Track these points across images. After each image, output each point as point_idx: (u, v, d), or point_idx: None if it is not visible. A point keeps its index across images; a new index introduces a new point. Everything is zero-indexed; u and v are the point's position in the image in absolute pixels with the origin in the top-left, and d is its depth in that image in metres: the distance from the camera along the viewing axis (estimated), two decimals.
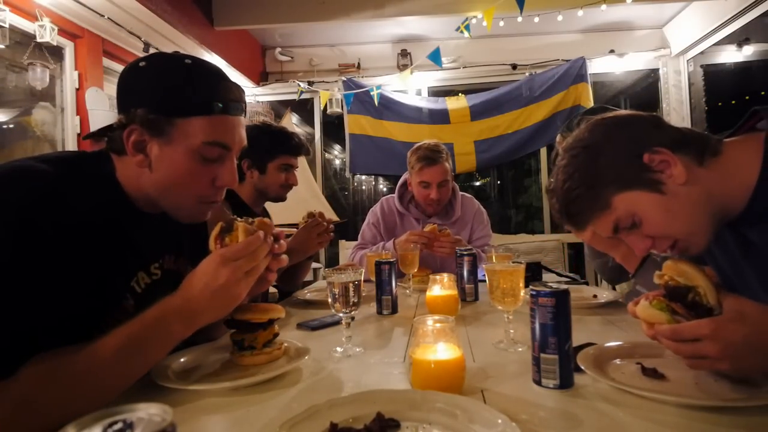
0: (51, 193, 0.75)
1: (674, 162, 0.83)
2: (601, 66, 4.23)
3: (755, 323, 0.71)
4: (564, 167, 0.91)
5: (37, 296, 0.71)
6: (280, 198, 1.84)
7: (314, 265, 3.73)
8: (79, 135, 2.91)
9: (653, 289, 0.84)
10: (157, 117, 0.84)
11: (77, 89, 2.93)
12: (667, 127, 0.88)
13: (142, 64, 0.88)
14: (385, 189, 5.39)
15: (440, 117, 4.25)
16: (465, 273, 1.55)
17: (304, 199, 3.84)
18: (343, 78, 4.28)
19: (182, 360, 0.95)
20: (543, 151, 4.32)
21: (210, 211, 0.96)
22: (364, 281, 1.16)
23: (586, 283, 1.94)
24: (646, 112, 0.93)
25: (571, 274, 2.28)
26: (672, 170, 0.83)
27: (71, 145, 2.89)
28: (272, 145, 1.77)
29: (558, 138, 1.54)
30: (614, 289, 2.10)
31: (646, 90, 4.50)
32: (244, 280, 0.81)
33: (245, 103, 0.96)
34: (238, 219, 0.88)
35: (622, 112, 0.93)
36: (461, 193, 2.29)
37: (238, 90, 0.92)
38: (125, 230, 0.89)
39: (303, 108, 4.59)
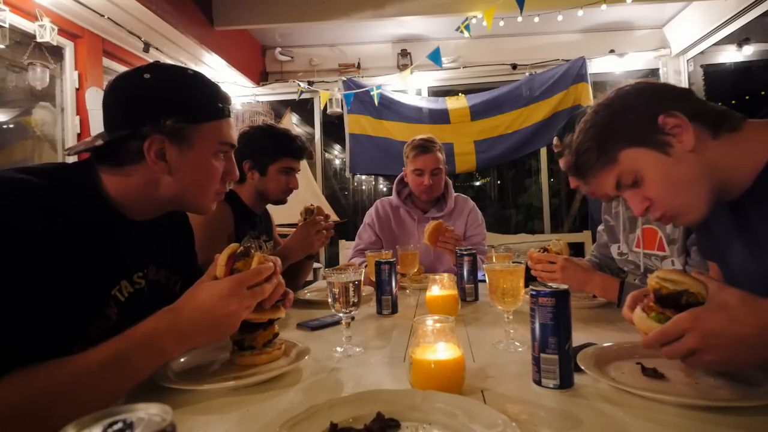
0: (31, 201, 0.75)
1: (687, 128, 0.84)
2: (601, 66, 4.23)
3: (734, 311, 0.70)
4: (584, 123, 0.94)
5: (16, 302, 0.69)
6: (280, 201, 1.84)
7: (314, 265, 3.72)
8: (79, 135, 2.91)
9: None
10: (183, 126, 0.89)
11: (77, 89, 2.93)
12: (691, 99, 0.90)
13: (147, 75, 0.90)
14: (385, 189, 5.39)
15: (440, 117, 4.24)
16: (465, 273, 1.55)
17: (304, 199, 3.81)
18: (343, 78, 4.28)
19: (182, 360, 0.95)
20: (543, 151, 4.32)
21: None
22: (365, 284, 1.16)
23: None
24: (680, 86, 0.96)
25: None
26: (683, 136, 0.85)
27: (71, 145, 2.89)
28: (274, 147, 1.77)
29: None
30: None
31: None
32: (245, 311, 0.82)
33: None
34: (254, 248, 0.89)
35: (654, 80, 0.96)
36: (456, 193, 2.33)
37: (227, 94, 1.01)
38: (107, 238, 0.88)
39: (303, 108, 4.59)
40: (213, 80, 0.99)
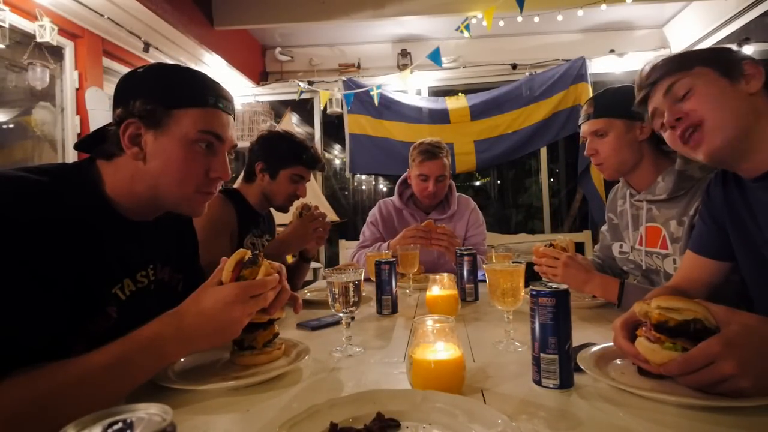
0: (28, 197, 0.75)
1: (759, 79, 0.95)
2: (601, 66, 4.22)
3: (761, 332, 0.71)
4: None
5: (14, 299, 0.69)
6: (284, 209, 1.88)
7: (314, 265, 3.73)
8: (79, 135, 2.91)
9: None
10: (154, 107, 0.88)
11: (77, 89, 2.93)
12: None
13: (140, 70, 0.93)
14: (385, 189, 5.40)
15: (440, 117, 4.24)
16: (465, 273, 1.55)
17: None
18: (343, 78, 4.28)
19: (182, 360, 0.95)
20: (543, 151, 4.32)
21: (206, 203, 0.98)
22: (364, 280, 1.17)
23: None
24: None
25: None
26: (753, 81, 0.95)
27: (71, 145, 2.89)
28: (289, 154, 1.79)
29: (585, 106, 1.51)
30: None
31: None
32: (248, 317, 0.83)
33: (234, 108, 1.01)
34: (262, 257, 0.89)
35: None
36: (458, 193, 2.34)
37: (228, 93, 0.98)
38: (108, 237, 0.88)
39: (303, 108, 4.59)
40: (210, 77, 0.97)
